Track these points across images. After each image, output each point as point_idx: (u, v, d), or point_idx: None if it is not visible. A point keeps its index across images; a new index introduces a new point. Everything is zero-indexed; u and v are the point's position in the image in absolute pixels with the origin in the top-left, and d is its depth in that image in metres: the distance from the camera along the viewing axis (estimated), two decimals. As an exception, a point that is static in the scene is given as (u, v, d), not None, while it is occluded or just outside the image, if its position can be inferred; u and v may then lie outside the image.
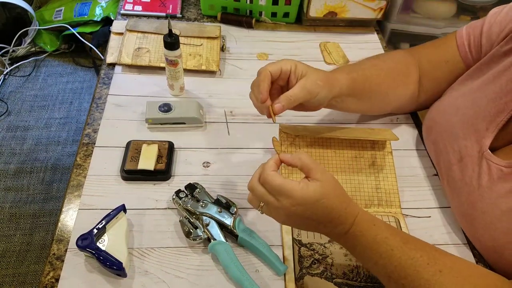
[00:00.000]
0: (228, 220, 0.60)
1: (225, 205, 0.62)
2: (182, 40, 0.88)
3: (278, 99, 0.58)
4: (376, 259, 0.49)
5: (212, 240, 0.58)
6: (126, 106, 0.79)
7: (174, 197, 0.63)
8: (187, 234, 0.59)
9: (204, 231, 0.59)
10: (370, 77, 0.68)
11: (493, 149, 0.60)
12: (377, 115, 0.81)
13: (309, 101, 0.60)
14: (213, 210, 0.61)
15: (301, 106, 0.62)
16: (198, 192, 0.64)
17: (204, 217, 0.60)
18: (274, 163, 0.50)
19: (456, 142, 0.64)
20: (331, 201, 0.48)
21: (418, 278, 0.46)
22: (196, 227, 0.60)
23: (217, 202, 0.63)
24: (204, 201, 0.62)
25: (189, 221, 0.60)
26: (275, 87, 0.61)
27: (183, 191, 0.64)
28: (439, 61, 0.72)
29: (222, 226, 0.60)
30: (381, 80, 0.70)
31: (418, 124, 0.81)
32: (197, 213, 0.61)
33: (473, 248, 0.63)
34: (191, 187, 0.64)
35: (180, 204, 0.62)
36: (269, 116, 0.60)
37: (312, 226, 0.51)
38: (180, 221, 0.61)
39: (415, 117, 0.83)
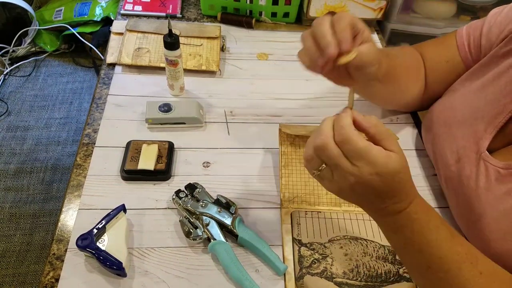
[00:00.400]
0: (228, 220, 0.60)
1: (225, 205, 0.62)
2: (182, 40, 0.88)
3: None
4: (422, 246, 0.46)
5: (212, 240, 0.58)
6: (126, 106, 0.79)
7: (174, 197, 0.63)
8: (187, 234, 0.59)
9: (204, 231, 0.59)
10: (398, 66, 0.65)
11: (491, 150, 0.60)
12: (380, 112, 0.81)
13: (362, 70, 0.52)
14: (213, 210, 0.61)
15: (346, 74, 0.54)
16: (198, 192, 0.64)
17: (204, 217, 0.60)
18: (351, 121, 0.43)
19: (455, 143, 0.64)
20: (406, 175, 0.44)
21: (459, 276, 0.45)
22: (196, 227, 0.60)
23: (217, 202, 0.63)
24: (204, 201, 0.62)
25: (189, 221, 0.60)
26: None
27: (183, 191, 0.64)
28: (440, 60, 0.72)
29: (222, 226, 0.60)
30: (405, 73, 0.67)
31: (418, 124, 0.81)
32: (197, 213, 0.61)
33: (472, 248, 0.63)
34: (191, 187, 0.64)
35: (180, 204, 0.62)
36: (322, 69, 0.49)
37: (368, 201, 0.45)
38: (180, 221, 0.61)
39: (415, 117, 0.83)
